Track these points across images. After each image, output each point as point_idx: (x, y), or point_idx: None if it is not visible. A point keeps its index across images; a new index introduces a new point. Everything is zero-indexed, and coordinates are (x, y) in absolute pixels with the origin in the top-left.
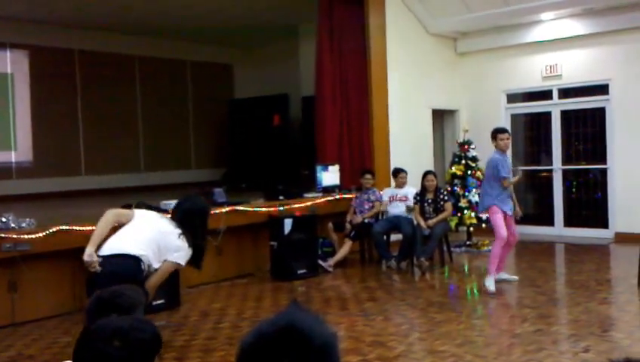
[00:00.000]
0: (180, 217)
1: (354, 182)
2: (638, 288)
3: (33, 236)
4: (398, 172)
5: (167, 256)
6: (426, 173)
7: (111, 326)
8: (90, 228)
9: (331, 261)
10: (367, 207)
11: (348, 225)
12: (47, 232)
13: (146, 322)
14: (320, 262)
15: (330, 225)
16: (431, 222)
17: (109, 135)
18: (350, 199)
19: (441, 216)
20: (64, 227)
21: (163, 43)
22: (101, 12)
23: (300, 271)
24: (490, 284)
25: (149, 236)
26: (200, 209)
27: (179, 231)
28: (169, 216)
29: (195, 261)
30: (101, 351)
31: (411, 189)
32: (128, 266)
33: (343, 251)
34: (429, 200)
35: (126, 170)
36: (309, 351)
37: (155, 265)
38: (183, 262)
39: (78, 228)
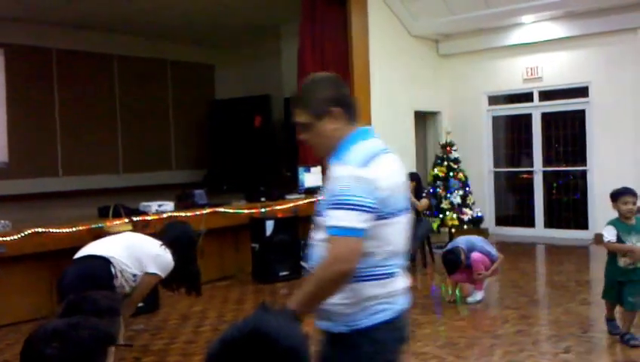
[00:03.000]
0: (168, 242)
1: None
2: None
3: (8, 238)
4: None
5: (145, 266)
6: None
7: (50, 327)
8: (67, 230)
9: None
10: None
11: None
12: (23, 234)
13: (87, 320)
14: (303, 263)
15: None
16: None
17: (87, 135)
18: None
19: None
20: (40, 229)
21: (143, 42)
22: (79, 10)
23: (282, 273)
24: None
25: (124, 242)
26: (186, 238)
27: (160, 242)
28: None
29: (192, 287)
30: (40, 353)
31: None
32: (94, 267)
33: None
34: (411, 201)
35: (105, 171)
36: (275, 355)
37: (131, 271)
38: (162, 273)
39: (54, 230)
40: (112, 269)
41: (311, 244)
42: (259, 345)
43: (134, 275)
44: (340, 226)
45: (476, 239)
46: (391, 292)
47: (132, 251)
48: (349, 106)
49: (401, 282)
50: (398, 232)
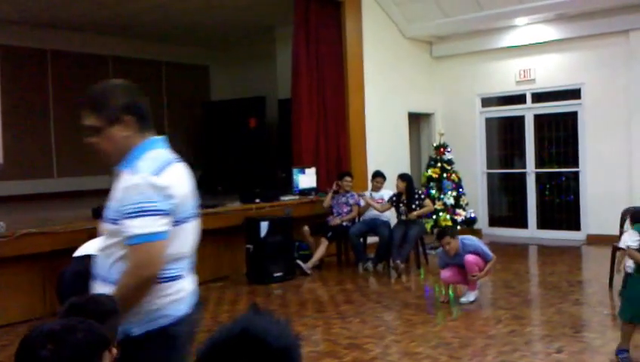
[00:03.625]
0: None
1: (330, 185)
2: (609, 289)
3: (2, 239)
4: (375, 176)
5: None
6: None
7: (44, 329)
8: (61, 231)
9: (310, 263)
10: (345, 210)
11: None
12: (17, 235)
13: (82, 323)
14: (299, 262)
15: (306, 228)
16: (414, 214)
17: (82, 137)
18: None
19: (423, 210)
20: (34, 230)
21: (137, 43)
22: (74, 11)
23: (277, 274)
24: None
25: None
26: None
27: None
28: None
29: None
30: (35, 355)
31: (387, 192)
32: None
33: (319, 252)
34: (404, 201)
35: (99, 173)
36: (266, 356)
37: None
38: None
39: (49, 231)
40: None
41: (98, 254)
42: (249, 347)
43: None
44: (140, 234)
45: (470, 239)
46: (179, 293)
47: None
48: (143, 116)
49: (188, 284)
50: (186, 237)
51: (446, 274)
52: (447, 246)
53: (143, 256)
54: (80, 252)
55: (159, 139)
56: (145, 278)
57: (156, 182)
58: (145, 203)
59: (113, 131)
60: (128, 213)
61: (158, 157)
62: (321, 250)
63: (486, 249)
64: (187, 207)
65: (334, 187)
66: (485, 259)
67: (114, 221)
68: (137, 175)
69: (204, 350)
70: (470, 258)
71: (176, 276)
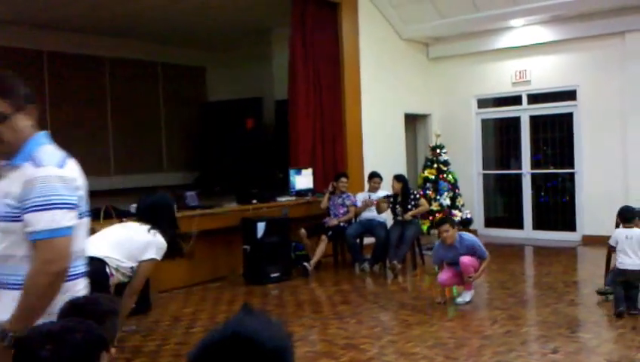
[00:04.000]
0: (146, 215)
1: (327, 186)
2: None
3: None
4: (372, 176)
5: (140, 256)
6: (393, 177)
7: (44, 330)
8: None
9: (312, 262)
10: (342, 211)
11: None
12: None
13: (81, 323)
14: (306, 264)
15: (303, 231)
16: (409, 214)
17: (78, 137)
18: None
19: (419, 209)
20: None
21: (134, 44)
22: (71, 12)
23: (273, 275)
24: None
25: (114, 238)
26: (163, 201)
27: (147, 226)
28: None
29: (173, 252)
30: (34, 355)
31: (384, 193)
32: (90, 271)
33: (320, 250)
34: (400, 202)
35: (96, 173)
36: (259, 357)
37: (127, 264)
38: (158, 256)
39: None
40: (108, 269)
41: None
42: (240, 349)
43: (131, 267)
44: (49, 229)
45: (468, 235)
46: (82, 291)
47: (124, 246)
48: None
49: (83, 284)
50: (83, 233)
51: (443, 277)
52: (445, 233)
53: (51, 252)
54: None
55: (45, 133)
56: (55, 274)
57: (63, 175)
58: (53, 196)
59: (18, 119)
60: (35, 207)
61: (55, 150)
62: (322, 248)
63: (482, 247)
64: (84, 202)
65: (330, 188)
66: (480, 258)
67: (9, 218)
68: (42, 167)
69: (195, 352)
70: (465, 259)
71: (79, 273)
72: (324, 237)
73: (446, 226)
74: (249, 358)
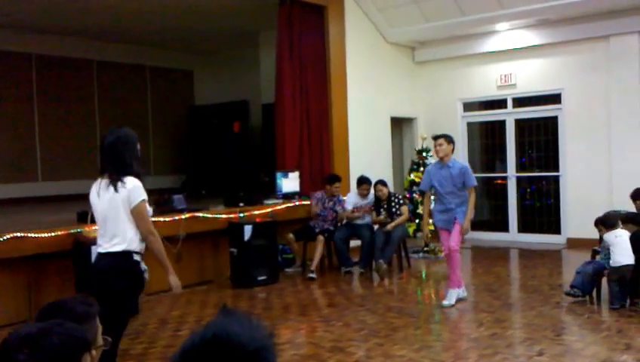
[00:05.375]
0: (108, 157)
1: (314, 189)
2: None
3: None
4: (362, 183)
5: (131, 208)
6: (376, 183)
7: (22, 333)
8: (46, 235)
9: (312, 266)
10: (331, 217)
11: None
12: (2, 239)
13: (59, 325)
14: (312, 275)
15: (291, 235)
16: (389, 226)
17: (66, 140)
18: (309, 206)
19: (398, 220)
20: (19, 234)
21: (122, 48)
22: (59, 16)
23: (260, 278)
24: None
25: (115, 219)
26: (126, 137)
27: (116, 181)
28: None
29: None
30: (12, 359)
31: (373, 198)
32: (120, 262)
33: (318, 251)
34: (384, 206)
35: (84, 176)
36: (240, 359)
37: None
38: (143, 195)
39: (33, 235)
40: (134, 256)
41: None
42: (222, 351)
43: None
44: None
45: (461, 161)
46: None
47: (122, 217)
48: None
49: None
50: None
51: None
52: (439, 147)
53: None
54: (105, 248)
55: None
56: None
57: None
58: None
59: None
60: None
61: None
62: (320, 249)
63: (472, 174)
64: None
65: (326, 193)
66: (467, 185)
67: None
68: None
69: (176, 357)
70: (453, 244)
71: None
72: (320, 238)
73: (441, 140)
74: (230, 360)
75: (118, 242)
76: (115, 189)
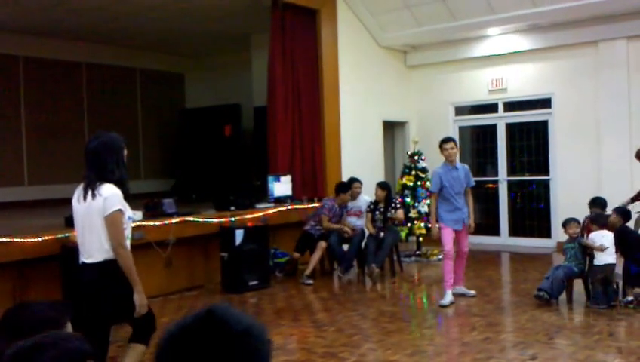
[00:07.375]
0: (89, 162)
1: (306, 193)
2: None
3: None
4: (352, 182)
5: (104, 216)
6: (377, 185)
7: (13, 351)
8: (33, 239)
9: (307, 271)
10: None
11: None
12: None
13: (54, 339)
14: (309, 282)
15: (297, 254)
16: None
17: (54, 144)
18: (301, 210)
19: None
20: (5, 239)
21: (112, 50)
22: (48, 18)
23: (252, 283)
24: (444, 299)
25: (91, 227)
26: (105, 142)
27: (93, 189)
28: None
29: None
30: None
31: (365, 198)
32: (109, 268)
33: (316, 256)
34: (381, 209)
35: (72, 181)
36: (231, 337)
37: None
38: (119, 205)
39: (19, 240)
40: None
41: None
42: (214, 328)
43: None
44: None
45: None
46: None
47: (100, 231)
48: None
49: None
50: None
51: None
52: (451, 150)
53: None
54: (88, 258)
55: None
56: None
57: None
58: None
59: None
60: None
61: None
62: (318, 255)
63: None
64: None
65: (336, 202)
66: (469, 185)
67: None
68: None
69: (169, 331)
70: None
71: None
72: (323, 243)
73: (452, 143)
74: (223, 338)
75: (98, 251)
76: (92, 197)
